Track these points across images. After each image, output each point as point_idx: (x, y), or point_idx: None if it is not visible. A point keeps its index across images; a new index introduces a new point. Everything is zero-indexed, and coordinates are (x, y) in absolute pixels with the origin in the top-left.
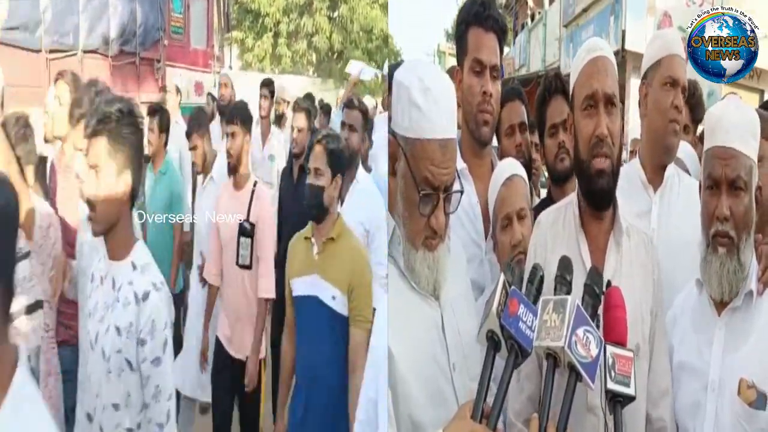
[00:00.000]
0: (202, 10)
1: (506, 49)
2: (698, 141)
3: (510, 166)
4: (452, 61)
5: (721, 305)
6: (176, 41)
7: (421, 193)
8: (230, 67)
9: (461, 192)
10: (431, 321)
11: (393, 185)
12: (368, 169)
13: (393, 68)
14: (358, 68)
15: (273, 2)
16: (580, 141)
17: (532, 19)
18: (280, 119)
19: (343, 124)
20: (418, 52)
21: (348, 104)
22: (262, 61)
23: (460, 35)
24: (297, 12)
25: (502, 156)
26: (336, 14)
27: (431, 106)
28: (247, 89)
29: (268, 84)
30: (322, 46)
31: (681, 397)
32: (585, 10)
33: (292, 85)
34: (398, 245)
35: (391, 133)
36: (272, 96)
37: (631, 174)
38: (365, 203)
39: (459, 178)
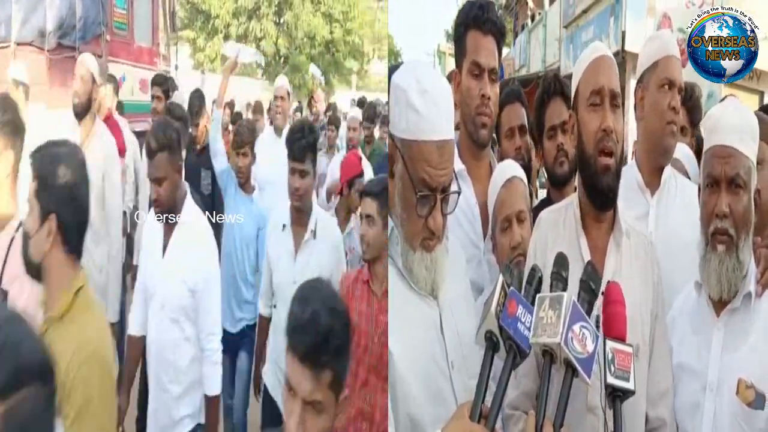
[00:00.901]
0: (147, 8)
1: (506, 50)
2: (696, 143)
3: (509, 168)
4: (452, 62)
5: (719, 306)
6: (119, 37)
7: (418, 194)
8: (176, 67)
9: (459, 193)
10: (430, 321)
11: (391, 187)
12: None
13: (392, 70)
14: (236, 50)
15: (223, 4)
16: (585, 136)
17: (532, 19)
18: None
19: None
20: (418, 53)
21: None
22: (213, 61)
23: (458, 37)
24: (246, 16)
25: (501, 158)
26: (282, 20)
27: (429, 108)
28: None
29: (160, 83)
30: (269, 50)
31: (680, 397)
32: (585, 11)
33: (241, 87)
34: (396, 246)
35: (390, 135)
36: (167, 96)
37: (628, 177)
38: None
39: (457, 179)
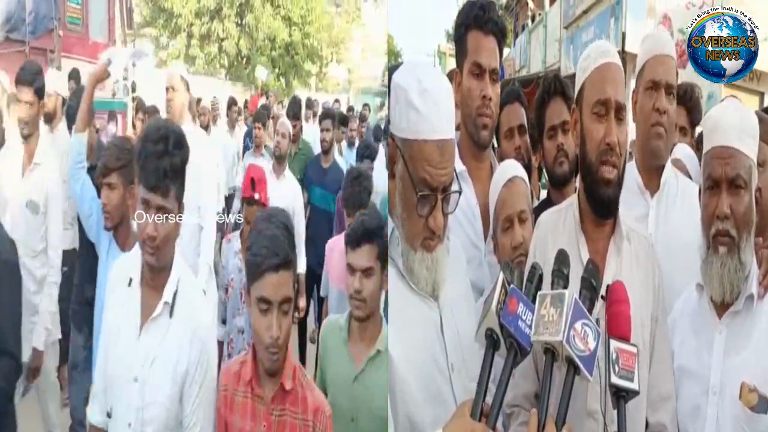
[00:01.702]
0: (102, 3)
1: (507, 51)
2: (696, 143)
3: (511, 168)
4: (453, 62)
5: (721, 308)
6: (73, 32)
7: (419, 194)
8: (134, 64)
9: (459, 192)
10: (430, 321)
11: (392, 187)
12: None
13: (392, 70)
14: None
15: (186, 4)
16: (589, 144)
17: (533, 20)
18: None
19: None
20: (418, 53)
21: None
22: (176, 60)
23: (459, 38)
24: (208, 16)
25: (501, 158)
26: (244, 22)
27: (429, 107)
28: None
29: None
30: (231, 51)
31: (681, 401)
32: (585, 12)
33: (204, 87)
34: (397, 246)
35: (390, 135)
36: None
37: (628, 178)
38: None
39: (458, 179)
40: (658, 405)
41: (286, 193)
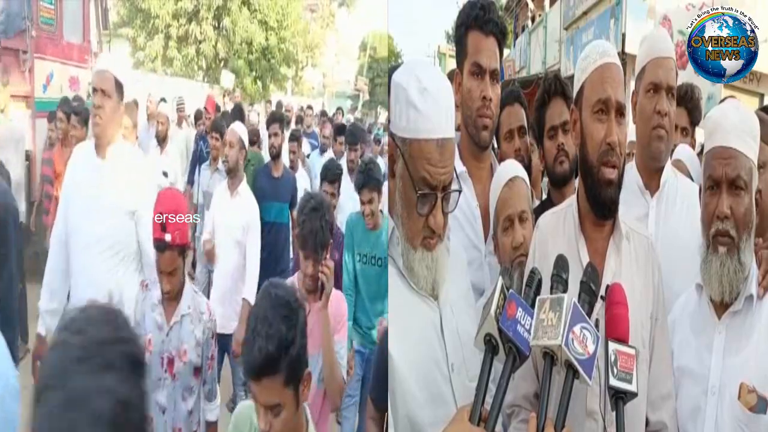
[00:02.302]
0: (76, 3)
1: (507, 51)
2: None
3: (512, 168)
4: (453, 63)
5: (721, 308)
6: (46, 32)
7: (418, 192)
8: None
9: (459, 191)
10: (430, 322)
11: (392, 186)
12: None
13: (392, 70)
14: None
15: (163, 5)
16: (589, 144)
17: (533, 21)
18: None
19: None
20: (418, 54)
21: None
22: (153, 61)
23: (459, 38)
24: (186, 18)
25: (501, 159)
26: (221, 25)
27: (429, 106)
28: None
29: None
30: (209, 53)
31: (681, 401)
32: (585, 13)
33: (181, 89)
34: (397, 246)
35: (390, 135)
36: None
37: (628, 179)
38: None
39: (458, 179)
40: (659, 404)
41: (240, 213)
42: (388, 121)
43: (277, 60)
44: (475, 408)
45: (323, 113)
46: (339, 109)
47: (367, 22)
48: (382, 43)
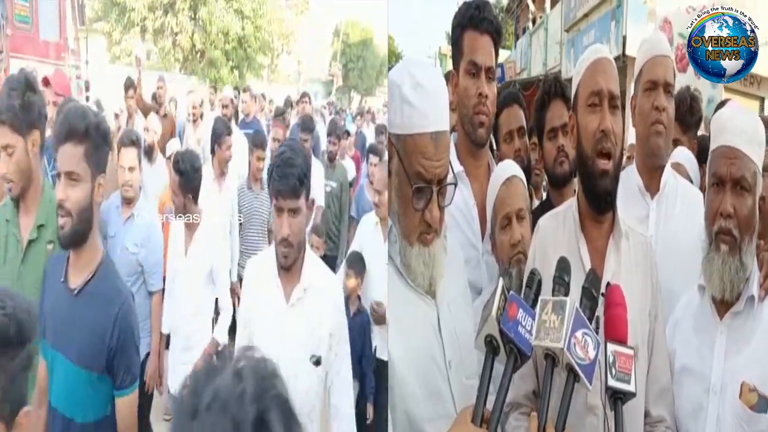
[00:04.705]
0: (52, 0)
1: (507, 53)
2: (697, 145)
3: (510, 167)
4: None
5: (722, 308)
6: (22, 31)
7: (414, 186)
8: (87, 62)
9: (455, 184)
10: (428, 320)
11: (389, 184)
12: None
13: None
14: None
15: None
16: (584, 137)
17: (534, 23)
18: None
19: None
20: (419, 55)
21: None
22: (130, 55)
23: (455, 39)
24: (162, 10)
25: (500, 161)
26: (197, 16)
27: (422, 100)
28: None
29: None
30: (186, 45)
31: (682, 400)
32: (586, 15)
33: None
34: (395, 243)
35: (388, 136)
36: None
37: (629, 180)
38: None
39: (454, 174)
40: (659, 398)
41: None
42: (388, 121)
43: (254, 48)
44: (477, 409)
45: (304, 94)
46: (306, 94)
47: (342, 8)
48: (354, 28)
